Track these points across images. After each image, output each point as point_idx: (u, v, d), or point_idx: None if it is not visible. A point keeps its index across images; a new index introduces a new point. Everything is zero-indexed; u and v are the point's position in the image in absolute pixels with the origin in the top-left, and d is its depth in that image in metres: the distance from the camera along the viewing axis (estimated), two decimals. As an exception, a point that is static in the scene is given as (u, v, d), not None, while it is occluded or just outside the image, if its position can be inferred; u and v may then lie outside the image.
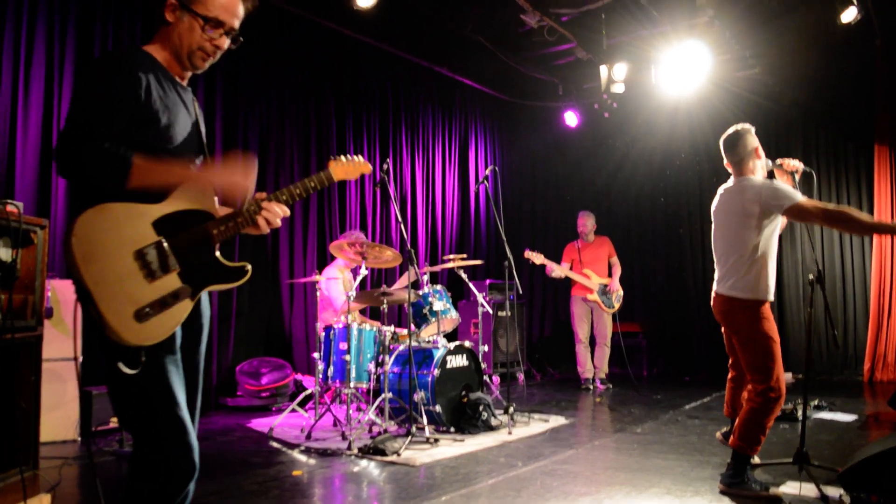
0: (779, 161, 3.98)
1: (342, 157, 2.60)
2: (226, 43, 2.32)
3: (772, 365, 3.67)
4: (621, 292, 8.37)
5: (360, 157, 2.65)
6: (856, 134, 8.96)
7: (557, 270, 8.07)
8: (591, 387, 8.16)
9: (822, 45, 8.25)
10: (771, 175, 4.05)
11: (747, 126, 4.02)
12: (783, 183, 3.80)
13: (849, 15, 7.20)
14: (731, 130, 4.01)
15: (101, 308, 1.90)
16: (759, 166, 3.93)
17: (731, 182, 3.98)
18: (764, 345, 3.70)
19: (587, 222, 8.43)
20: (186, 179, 2.09)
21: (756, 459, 3.82)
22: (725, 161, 4.01)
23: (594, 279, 8.20)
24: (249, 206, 2.23)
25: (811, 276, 3.82)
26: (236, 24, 2.30)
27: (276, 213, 2.27)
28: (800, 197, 3.64)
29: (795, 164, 3.93)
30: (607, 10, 7.59)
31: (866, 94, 8.64)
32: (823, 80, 8.87)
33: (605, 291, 8.22)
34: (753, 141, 3.93)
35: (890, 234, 3.74)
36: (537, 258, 7.83)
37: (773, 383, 3.64)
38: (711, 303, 4.00)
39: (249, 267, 2.23)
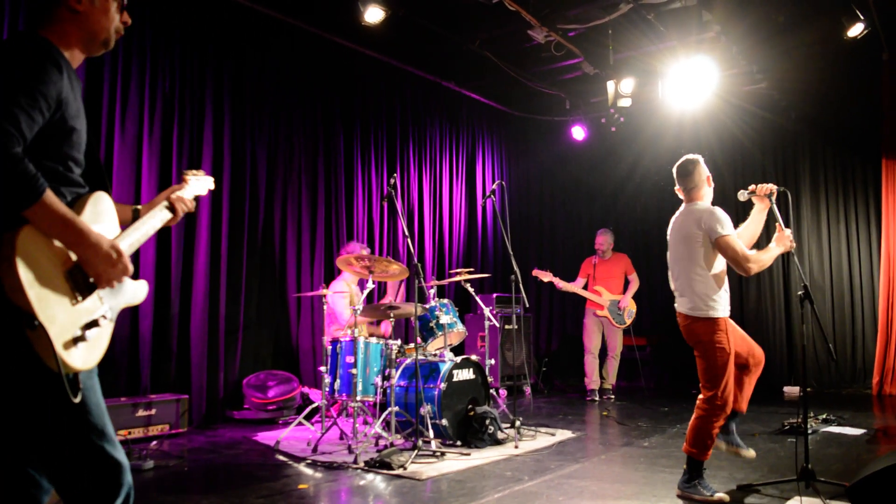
0: (751, 188, 4.15)
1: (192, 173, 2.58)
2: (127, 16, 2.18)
3: (721, 375, 3.87)
4: (633, 309, 8.46)
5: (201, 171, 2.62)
6: (863, 148, 8.95)
7: (565, 287, 8.20)
8: (597, 398, 8.20)
9: (828, 60, 8.27)
10: (750, 203, 4.24)
11: (698, 156, 4.23)
12: (722, 212, 3.99)
13: (855, 30, 7.21)
14: (683, 159, 4.23)
15: (50, 334, 1.74)
16: (708, 194, 4.17)
17: (682, 207, 4.21)
18: (716, 356, 3.89)
19: (605, 240, 8.56)
20: (82, 247, 1.85)
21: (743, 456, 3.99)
22: (677, 187, 4.25)
23: (605, 295, 8.31)
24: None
25: (800, 293, 3.90)
26: None
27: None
28: (728, 231, 3.91)
29: (768, 187, 4.09)
30: (614, 25, 7.62)
31: (873, 109, 8.63)
32: (830, 95, 8.89)
33: (616, 308, 8.32)
34: (704, 171, 4.17)
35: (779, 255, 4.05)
36: (545, 276, 7.94)
37: (719, 392, 3.86)
38: (677, 318, 4.18)
39: (146, 283, 2.19)
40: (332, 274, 7.59)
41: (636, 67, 8.48)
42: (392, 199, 5.53)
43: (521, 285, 6.02)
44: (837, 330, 9.01)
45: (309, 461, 4.97)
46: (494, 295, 8.90)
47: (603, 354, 8.50)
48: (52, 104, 1.87)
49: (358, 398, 5.48)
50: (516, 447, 5.32)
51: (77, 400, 1.83)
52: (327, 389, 5.66)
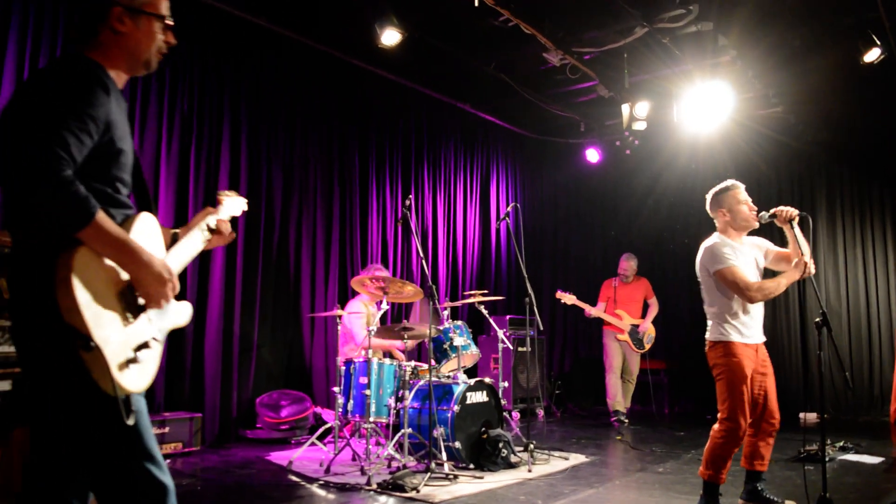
0: (772, 211, 4.11)
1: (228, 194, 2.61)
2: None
3: (734, 398, 3.88)
4: (653, 333, 8.45)
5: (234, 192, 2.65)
6: (880, 172, 8.91)
7: (590, 311, 8.22)
8: (622, 419, 8.14)
9: (845, 85, 8.25)
10: (768, 225, 4.23)
11: (728, 184, 4.25)
12: (725, 246, 4.05)
13: (872, 55, 7.20)
14: (714, 189, 4.27)
15: (106, 355, 1.73)
16: (730, 223, 4.16)
17: None
18: (728, 379, 3.92)
19: (629, 265, 8.57)
20: (136, 266, 1.85)
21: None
22: None
23: (626, 319, 8.31)
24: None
25: (817, 320, 3.87)
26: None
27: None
28: (729, 263, 3.95)
29: (791, 212, 4.05)
30: (629, 48, 7.64)
31: (890, 133, 8.60)
32: (847, 120, 8.86)
33: (635, 332, 8.30)
34: (722, 202, 4.19)
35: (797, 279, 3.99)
36: (569, 299, 7.93)
37: (734, 415, 3.87)
38: None
39: (190, 306, 2.18)
40: (345, 294, 7.60)
41: (651, 91, 8.49)
42: (406, 220, 5.55)
43: (534, 308, 6.00)
44: (854, 355, 8.89)
45: (321, 482, 4.95)
46: (508, 317, 8.87)
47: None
48: (100, 126, 1.87)
49: (371, 419, 5.47)
50: (529, 471, 5.29)
51: (131, 422, 1.81)
52: (340, 410, 5.65)
